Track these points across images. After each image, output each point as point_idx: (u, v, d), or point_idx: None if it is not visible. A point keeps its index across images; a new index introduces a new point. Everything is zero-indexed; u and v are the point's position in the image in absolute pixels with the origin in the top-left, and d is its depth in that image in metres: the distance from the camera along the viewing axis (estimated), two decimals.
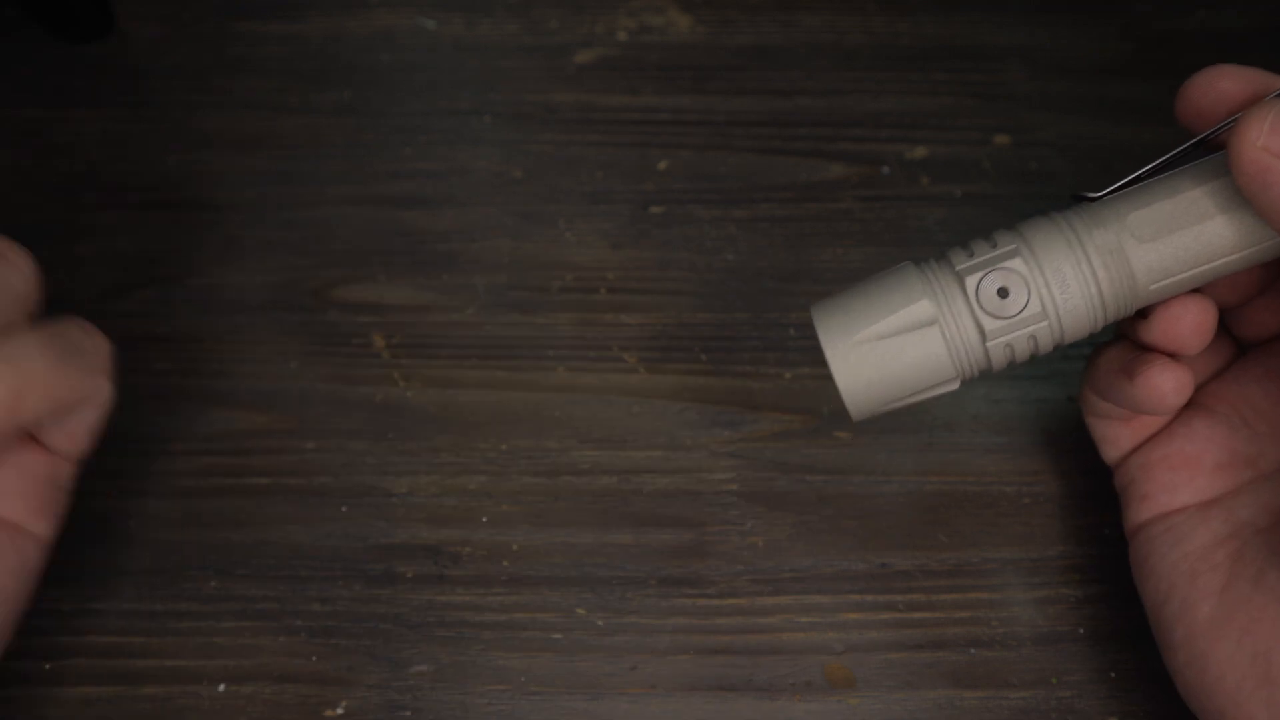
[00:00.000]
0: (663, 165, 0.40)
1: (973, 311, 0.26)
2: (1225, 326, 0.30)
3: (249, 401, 0.35)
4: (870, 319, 0.26)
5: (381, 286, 0.38)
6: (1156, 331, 0.27)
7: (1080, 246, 0.26)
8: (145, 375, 0.36)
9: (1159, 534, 0.29)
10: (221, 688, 0.31)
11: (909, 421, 0.35)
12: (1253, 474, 0.29)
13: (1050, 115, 0.41)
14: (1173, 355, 0.28)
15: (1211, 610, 0.27)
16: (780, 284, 0.38)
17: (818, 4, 0.44)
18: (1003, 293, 0.26)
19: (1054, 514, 0.34)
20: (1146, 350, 0.28)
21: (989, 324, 0.26)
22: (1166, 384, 0.27)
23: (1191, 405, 0.30)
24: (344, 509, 0.34)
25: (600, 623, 0.32)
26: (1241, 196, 0.25)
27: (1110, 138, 0.40)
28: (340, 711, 0.31)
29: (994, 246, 0.26)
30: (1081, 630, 0.32)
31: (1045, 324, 0.26)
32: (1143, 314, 0.28)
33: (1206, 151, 0.26)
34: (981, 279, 0.26)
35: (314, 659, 0.31)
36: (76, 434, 0.28)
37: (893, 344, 0.26)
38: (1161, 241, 0.26)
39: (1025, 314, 0.26)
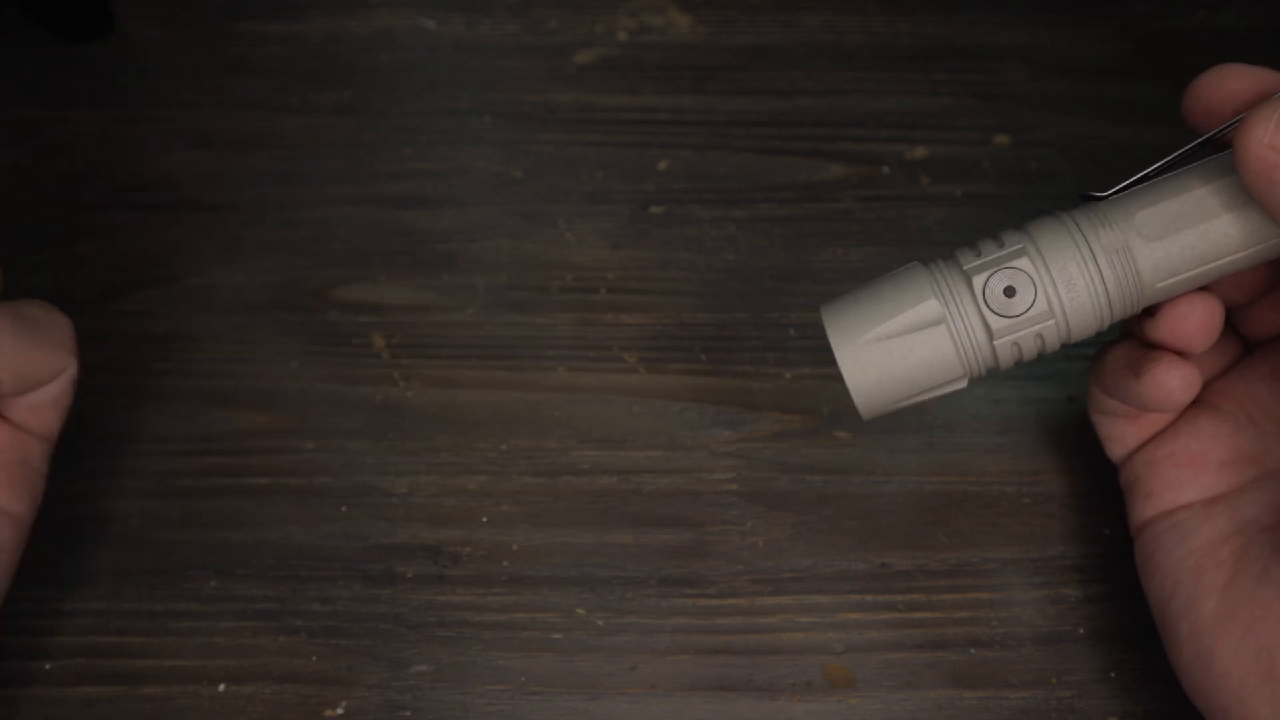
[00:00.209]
0: (663, 165, 0.40)
1: (980, 311, 0.26)
2: (1231, 324, 0.30)
3: (249, 401, 0.35)
4: (879, 319, 0.26)
5: (381, 286, 0.38)
6: (1163, 329, 0.27)
7: (1086, 245, 0.26)
8: (145, 375, 0.36)
9: (1164, 531, 0.29)
10: (221, 688, 0.31)
11: (909, 422, 0.35)
12: (1258, 471, 0.29)
13: (1050, 115, 0.41)
14: (1179, 353, 0.28)
15: (1216, 607, 0.27)
16: (780, 284, 0.38)
17: (818, 4, 0.44)
18: (1010, 292, 0.26)
19: (1054, 514, 0.34)
20: (1153, 348, 0.28)
21: (996, 323, 0.26)
22: (1173, 381, 0.27)
23: (1197, 403, 0.30)
24: (344, 509, 0.34)
25: (600, 623, 0.32)
26: (1248, 194, 0.25)
27: (1110, 138, 0.40)
28: (340, 711, 0.31)
29: (1001, 246, 0.26)
30: (1082, 630, 0.32)
31: (1052, 323, 0.26)
32: (1149, 312, 0.28)
33: (1213, 150, 0.26)
34: (989, 278, 0.26)
35: (314, 659, 0.31)
36: (44, 410, 0.29)
37: (901, 343, 0.26)
38: (1168, 240, 0.26)
39: (1032, 313, 0.26)
